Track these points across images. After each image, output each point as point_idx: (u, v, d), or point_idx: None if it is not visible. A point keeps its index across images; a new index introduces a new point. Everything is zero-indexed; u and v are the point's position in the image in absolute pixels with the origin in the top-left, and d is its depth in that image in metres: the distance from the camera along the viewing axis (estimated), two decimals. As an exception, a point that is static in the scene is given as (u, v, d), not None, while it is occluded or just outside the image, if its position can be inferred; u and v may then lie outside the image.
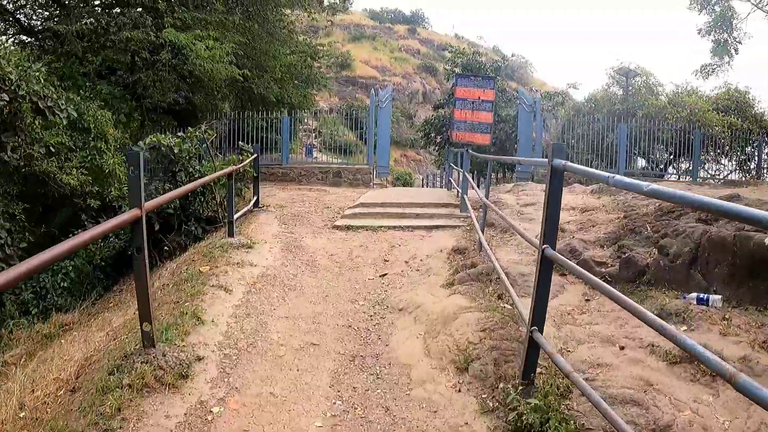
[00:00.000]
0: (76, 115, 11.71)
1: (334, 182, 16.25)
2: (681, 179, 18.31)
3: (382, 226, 10.19)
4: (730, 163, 19.68)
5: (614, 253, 7.27)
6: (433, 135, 30.67)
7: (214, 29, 16.33)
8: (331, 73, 53.11)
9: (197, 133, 11.99)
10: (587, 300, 6.49)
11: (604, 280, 5.84)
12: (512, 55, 29.86)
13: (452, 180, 15.30)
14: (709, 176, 18.87)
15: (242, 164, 10.39)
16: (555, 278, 6.78)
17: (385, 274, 7.96)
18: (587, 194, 11.53)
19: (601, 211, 9.41)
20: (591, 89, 27.66)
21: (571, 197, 11.65)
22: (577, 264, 6.58)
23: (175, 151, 10.80)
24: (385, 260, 8.63)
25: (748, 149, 19.81)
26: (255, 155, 11.71)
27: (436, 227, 10.17)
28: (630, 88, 20.63)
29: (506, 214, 8.97)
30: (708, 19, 22.07)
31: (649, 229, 7.45)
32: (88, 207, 12.12)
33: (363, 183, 16.11)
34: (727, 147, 19.17)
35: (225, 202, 11.51)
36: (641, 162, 20.15)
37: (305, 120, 25.88)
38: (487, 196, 8.17)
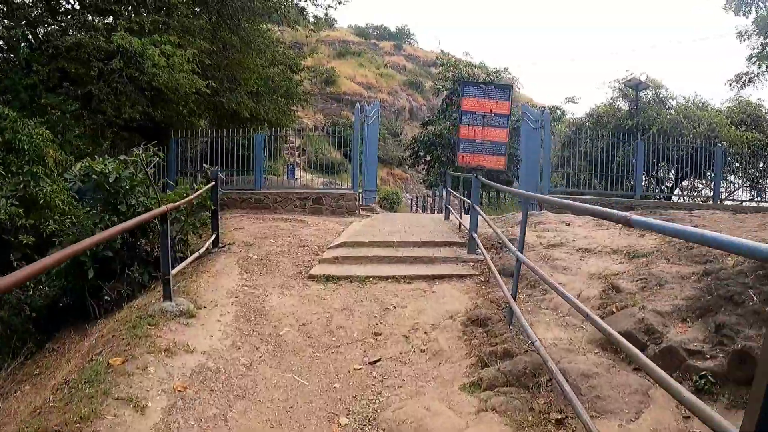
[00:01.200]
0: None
1: (315, 210, 13.85)
2: (689, 200, 16.09)
3: (370, 277, 7.81)
4: (742, 180, 17.50)
5: (710, 335, 4.87)
6: (422, 153, 28.43)
7: (176, 34, 13.89)
8: (316, 90, 51.26)
9: (143, 155, 9.58)
10: (686, 417, 4.15)
11: (706, 382, 4.20)
12: (505, 69, 27.27)
13: (450, 208, 12.96)
14: (728, 197, 16.63)
15: (184, 200, 7.94)
16: (630, 378, 4.49)
17: (378, 360, 5.57)
18: (620, 227, 9.27)
19: (659, 259, 7.07)
20: (588, 104, 25.39)
21: (601, 233, 9.35)
22: (660, 353, 4.73)
23: (111, 179, 8.41)
24: (377, 333, 6.24)
25: (761, 165, 17.73)
26: (212, 183, 9.28)
27: (441, 277, 7.80)
28: (640, 101, 18.41)
29: (530, 257, 6.70)
30: (746, 22, 19.60)
31: (754, 297, 5.05)
32: (19, 244, 9.67)
33: (347, 211, 13.73)
34: (746, 164, 17.11)
35: (184, 235, 9.21)
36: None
37: (289, 138, 23.58)
38: (521, 248, 5.71)
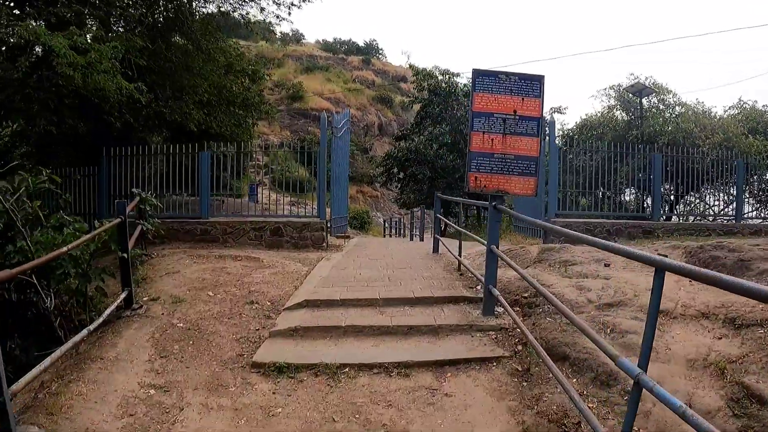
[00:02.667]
0: None
1: (273, 243, 10.99)
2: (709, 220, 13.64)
3: (346, 366, 4.98)
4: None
5: None
6: (395, 171, 25.70)
7: (97, 25, 11.01)
8: (283, 105, 48.42)
9: (30, 180, 6.78)
10: None
11: None
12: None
13: (441, 240, 10.21)
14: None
15: (69, 246, 5.05)
16: None
17: None
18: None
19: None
20: (573, 116, 22.91)
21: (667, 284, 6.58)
22: None
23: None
24: None
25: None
26: (118, 219, 6.40)
27: (454, 364, 5.03)
28: (643, 108, 15.99)
29: (575, 320, 4.06)
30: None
31: None
32: None
33: (313, 243, 10.89)
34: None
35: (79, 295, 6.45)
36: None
37: (254, 155, 20.67)
38: (644, 361, 2.94)
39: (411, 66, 24.52)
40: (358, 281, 7.49)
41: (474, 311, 6.17)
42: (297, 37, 72.24)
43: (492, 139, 5.81)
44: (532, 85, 5.88)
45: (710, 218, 14.00)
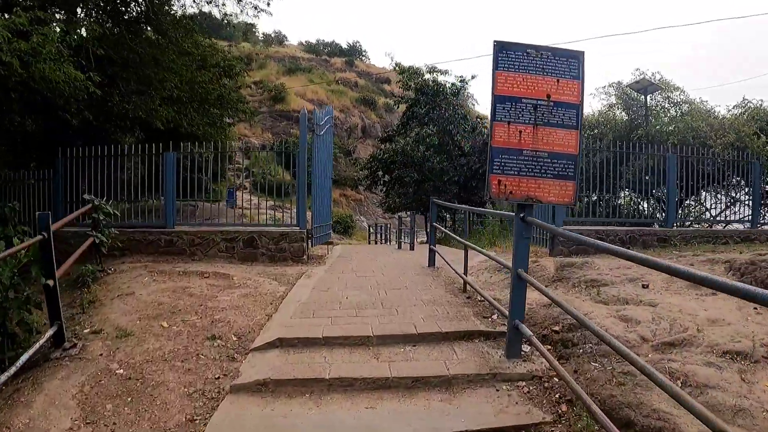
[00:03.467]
0: None
1: (246, 256, 9.55)
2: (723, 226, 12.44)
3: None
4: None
5: None
6: (380, 173, 24.32)
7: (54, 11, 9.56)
8: (265, 107, 46.89)
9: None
10: None
11: None
12: (472, 77, 23.46)
13: (438, 252, 8.85)
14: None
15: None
16: None
17: None
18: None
19: None
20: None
21: (720, 306, 5.40)
22: None
23: None
24: None
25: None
26: (39, 237, 4.97)
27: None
28: (648, 105, 14.79)
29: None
30: None
31: None
32: None
33: (292, 256, 9.47)
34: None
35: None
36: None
37: (234, 157, 19.27)
38: None
39: (397, 64, 23.13)
40: (345, 308, 6.08)
41: (494, 352, 4.79)
42: (279, 39, 70.74)
43: (520, 132, 4.45)
44: (569, 63, 4.53)
45: (722, 224, 12.76)
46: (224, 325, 5.80)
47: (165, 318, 6.06)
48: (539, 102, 4.46)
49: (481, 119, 24.48)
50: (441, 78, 22.86)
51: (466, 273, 6.70)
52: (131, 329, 5.70)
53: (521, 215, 4.54)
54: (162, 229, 9.96)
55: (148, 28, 12.56)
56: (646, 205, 11.97)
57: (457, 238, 7.20)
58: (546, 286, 6.63)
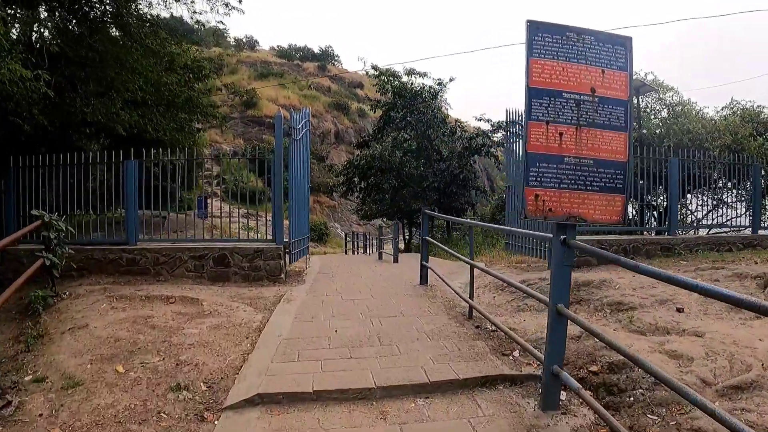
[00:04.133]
0: None
1: (218, 276, 8.49)
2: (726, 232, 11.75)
3: None
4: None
5: None
6: (357, 180, 23.32)
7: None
8: (236, 113, 45.59)
9: None
10: None
11: None
12: (450, 79, 22.61)
13: (433, 269, 7.90)
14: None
15: None
16: None
17: None
18: None
19: None
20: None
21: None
22: None
23: None
24: None
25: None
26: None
27: None
28: (643, 108, 14.12)
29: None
30: None
31: None
32: None
33: (268, 275, 8.44)
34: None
35: None
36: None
37: (205, 164, 18.05)
38: None
39: (374, 66, 22.15)
40: (336, 345, 5.06)
41: (526, 403, 3.84)
42: (251, 44, 69.29)
43: (560, 134, 3.51)
44: (615, 50, 3.62)
45: (725, 230, 12.06)
46: (191, 369, 4.76)
47: (121, 360, 4.99)
48: (582, 97, 3.53)
49: (459, 123, 23.68)
50: (419, 80, 22.03)
51: (472, 297, 5.75)
52: (81, 377, 4.63)
53: (562, 237, 3.61)
54: (123, 247, 8.85)
55: (113, 28, 11.46)
56: (638, 212, 11.16)
57: (463, 257, 6.19)
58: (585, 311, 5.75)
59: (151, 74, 12.49)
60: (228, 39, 69.34)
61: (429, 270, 7.97)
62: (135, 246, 8.86)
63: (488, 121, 20.97)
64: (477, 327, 5.49)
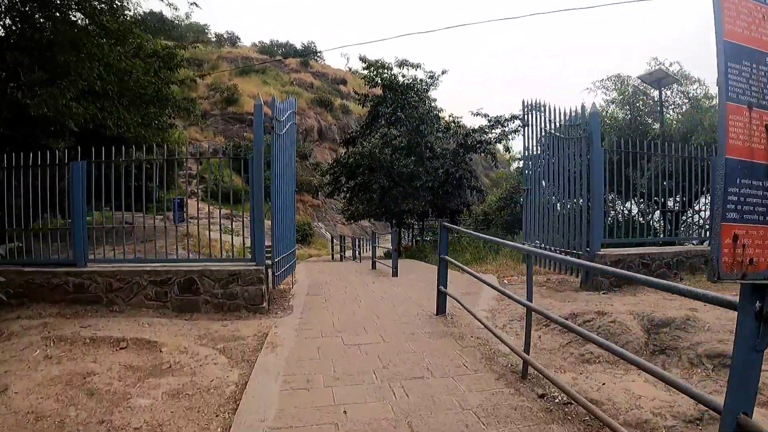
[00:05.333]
0: None
1: (184, 305, 6.76)
2: None
3: None
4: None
5: None
6: (343, 179, 21.60)
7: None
8: (216, 110, 43.69)
9: None
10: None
11: None
12: (443, 72, 20.84)
13: (448, 293, 6.25)
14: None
15: None
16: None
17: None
18: None
19: None
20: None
21: None
22: None
23: None
24: None
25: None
26: None
27: None
28: (651, 103, 12.58)
29: None
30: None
31: None
32: None
33: (246, 305, 6.71)
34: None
35: None
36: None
37: (185, 164, 16.29)
38: None
39: (362, 58, 20.30)
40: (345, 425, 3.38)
41: None
42: (232, 40, 66.97)
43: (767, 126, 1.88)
44: None
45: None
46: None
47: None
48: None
49: (454, 119, 22.01)
50: (412, 72, 20.29)
51: (528, 349, 4.07)
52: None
53: (758, 306, 1.97)
54: (69, 269, 7.08)
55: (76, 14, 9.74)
56: (672, 219, 9.62)
57: (519, 299, 4.45)
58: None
59: (114, 61, 10.75)
60: (209, 35, 67.13)
61: (449, 297, 6.31)
62: (84, 268, 7.08)
63: (485, 115, 19.39)
64: (541, 397, 3.82)
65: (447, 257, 6.24)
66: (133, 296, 6.84)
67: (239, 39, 67.87)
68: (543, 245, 8.46)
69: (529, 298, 4.04)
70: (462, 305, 5.69)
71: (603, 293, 7.01)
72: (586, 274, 7.44)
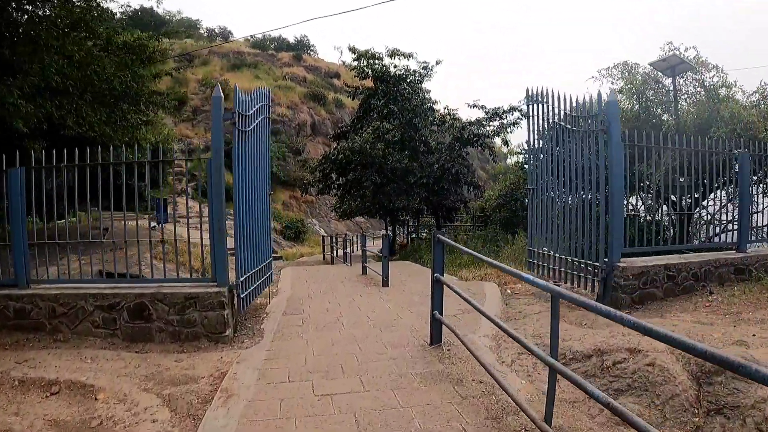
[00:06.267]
0: None
1: (136, 334, 5.72)
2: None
3: None
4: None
5: None
6: (334, 176, 20.55)
7: None
8: (207, 105, 42.45)
9: None
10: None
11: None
12: (437, 62, 19.66)
13: (449, 325, 5.21)
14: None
15: None
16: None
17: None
18: None
19: None
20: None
21: None
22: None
23: None
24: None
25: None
26: None
27: None
28: (661, 91, 11.54)
29: None
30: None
31: None
32: None
33: (207, 334, 5.64)
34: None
35: None
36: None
37: (176, 162, 15.34)
38: None
39: (351, 48, 19.10)
40: None
41: None
42: (225, 35, 65.64)
43: None
44: None
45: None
46: None
47: None
48: None
49: (449, 111, 20.87)
50: (404, 62, 19.11)
51: (550, 421, 3.05)
52: None
53: None
54: (11, 291, 6.04)
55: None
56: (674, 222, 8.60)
57: (539, 353, 3.39)
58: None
59: (77, 54, 9.69)
60: (200, 30, 65.81)
61: (443, 325, 5.25)
62: (26, 290, 6.04)
63: (483, 107, 18.30)
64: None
65: (443, 278, 5.17)
66: (79, 323, 5.79)
67: (232, 34, 66.65)
68: (551, 253, 7.43)
69: (554, 353, 3.00)
70: (461, 341, 4.63)
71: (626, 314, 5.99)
72: (604, 290, 6.40)
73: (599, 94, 6.74)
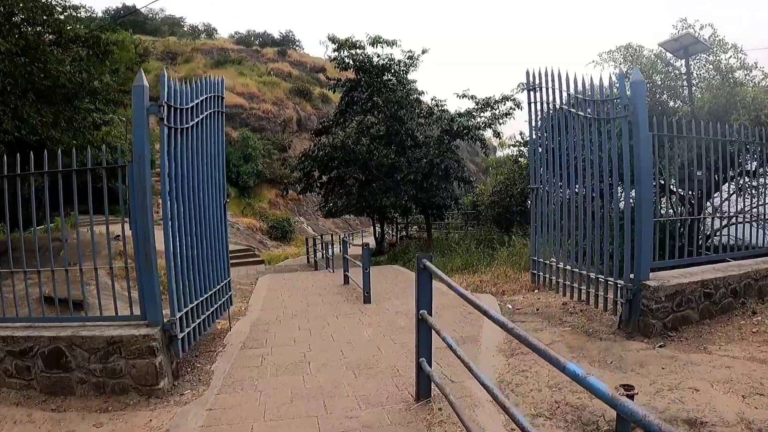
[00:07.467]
0: None
1: (53, 385, 4.50)
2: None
3: None
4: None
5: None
6: (316, 174, 19.30)
7: None
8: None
9: None
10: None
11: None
12: (423, 51, 18.29)
13: (432, 378, 3.98)
14: None
15: None
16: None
17: None
18: None
19: None
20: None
21: None
22: None
23: None
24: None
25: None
26: None
27: None
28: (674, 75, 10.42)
29: None
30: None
31: None
32: None
33: (136, 386, 4.41)
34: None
35: None
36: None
37: (156, 164, 14.04)
38: None
39: (330, 38, 17.71)
40: None
41: None
42: (209, 32, 64.21)
43: None
44: None
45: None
46: None
47: None
48: None
49: (437, 102, 19.62)
50: (387, 50, 17.74)
51: None
52: None
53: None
54: None
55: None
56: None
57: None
58: None
59: (15, 48, 8.45)
60: (183, 27, 64.18)
61: (432, 379, 4.02)
62: None
63: (473, 97, 17.01)
64: None
65: (430, 320, 3.91)
66: (-15, 373, 4.54)
67: (216, 31, 65.24)
68: (560, 265, 6.22)
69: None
70: (459, 417, 3.42)
71: (660, 347, 4.77)
72: (630, 314, 5.20)
73: (620, 75, 5.53)
